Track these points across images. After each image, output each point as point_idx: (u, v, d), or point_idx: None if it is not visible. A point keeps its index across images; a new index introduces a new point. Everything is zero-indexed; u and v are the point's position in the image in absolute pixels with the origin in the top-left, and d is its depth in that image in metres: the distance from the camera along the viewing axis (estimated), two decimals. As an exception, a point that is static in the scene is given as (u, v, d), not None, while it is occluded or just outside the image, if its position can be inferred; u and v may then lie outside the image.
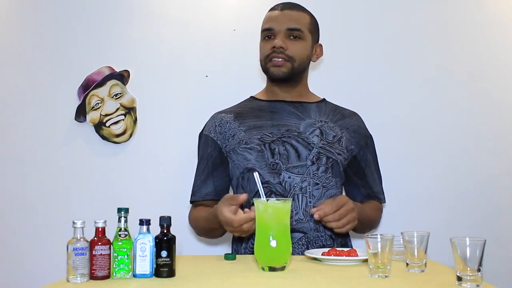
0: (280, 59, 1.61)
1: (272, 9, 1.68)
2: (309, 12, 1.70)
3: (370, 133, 1.79)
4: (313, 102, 1.73)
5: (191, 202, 1.70)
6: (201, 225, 1.65)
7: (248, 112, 1.68)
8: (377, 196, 1.75)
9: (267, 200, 1.24)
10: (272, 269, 1.18)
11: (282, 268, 1.19)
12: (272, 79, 1.67)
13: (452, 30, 2.15)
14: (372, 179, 1.74)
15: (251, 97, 1.77)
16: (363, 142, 1.73)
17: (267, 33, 1.65)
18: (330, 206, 1.41)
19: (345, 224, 1.43)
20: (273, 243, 1.18)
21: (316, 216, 1.42)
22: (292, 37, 1.62)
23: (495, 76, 2.15)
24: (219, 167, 1.66)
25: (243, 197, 1.34)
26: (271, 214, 1.21)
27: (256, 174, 1.32)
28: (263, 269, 1.19)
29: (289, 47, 1.61)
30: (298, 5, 1.70)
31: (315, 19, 1.71)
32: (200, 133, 1.73)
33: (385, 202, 1.78)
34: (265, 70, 1.67)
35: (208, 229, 1.62)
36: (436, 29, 2.15)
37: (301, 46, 1.64)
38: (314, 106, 1.71)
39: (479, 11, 2.15)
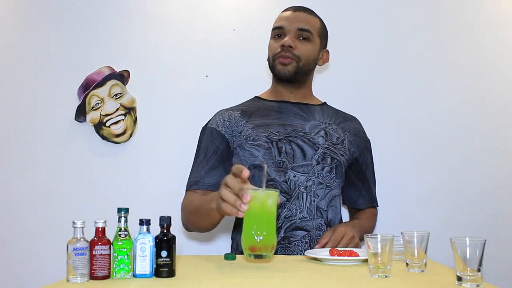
0: (287, 58, 1.63)
1: (285, 10, 1.71)
2: (320, 18, 1.73)
3: (369, 133, 1.82)
4: (316, 105, 1.75)
5: (189, 189, 1.62)
6: (195, 205, 1.54)
7: (254, 111, 1.69)
8: (374, 200, 1.81)
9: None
10: (258, 256, 1.16)
11: (267, 256, 1.16)
12: (278, 78, 1.69)
13: (449, 32, 2.16)
14: (372, 181, 1.81)
15: (256, 97, 1.78)
16: (363, 145, 1.78)
17: (277, 32, 1.67)
18: (331, 243, 1.48)
19: None
20: (258, 233, 1.15)
21: None
22: (301, 38, 1.65)
23: (495, 76, 2.15)
24: (226, 161, 1.63)
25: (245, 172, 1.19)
26: (255, 203, 1.16)
27: (265, 166, 1.27)
28: (249, 256, 1.17)
29: (297, 47, 1.64)
30: (311, 10, 1.73)
31: (325, 25, 1.75)
32: (204, 126, 1.72)
33: (378, 205, 1.82)
34: (272, 68, 1.69)
35: (199, 211, 1.49)
36: (434, 31, 2.15)
37: (309, 48, 1.67)
38: (318, 108, 1.74)
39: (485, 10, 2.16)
